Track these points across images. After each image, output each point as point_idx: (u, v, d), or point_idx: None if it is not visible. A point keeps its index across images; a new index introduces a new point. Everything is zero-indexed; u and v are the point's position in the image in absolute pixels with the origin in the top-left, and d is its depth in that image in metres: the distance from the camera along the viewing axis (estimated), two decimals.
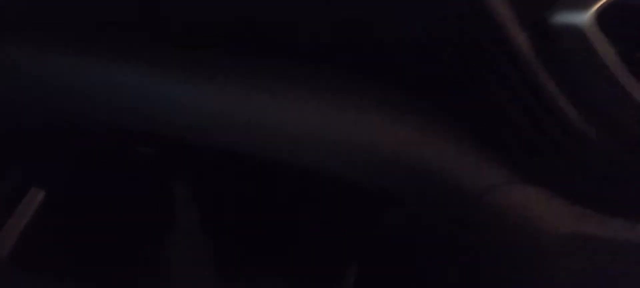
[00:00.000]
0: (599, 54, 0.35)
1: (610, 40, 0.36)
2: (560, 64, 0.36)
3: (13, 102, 0.55)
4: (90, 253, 0.57)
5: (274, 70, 0.46)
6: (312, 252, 0.56)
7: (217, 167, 0.52)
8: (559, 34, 0.36)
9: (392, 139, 0.42)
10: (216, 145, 0.48)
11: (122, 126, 0.53)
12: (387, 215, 0.50)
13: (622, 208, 0.41)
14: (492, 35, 0.38)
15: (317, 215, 0.53)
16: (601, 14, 0.35)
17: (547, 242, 0.41)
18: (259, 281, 0.56)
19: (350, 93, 0.44)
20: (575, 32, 0.35)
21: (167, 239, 0.53)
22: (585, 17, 0.35)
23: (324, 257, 0.56)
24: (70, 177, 0.65)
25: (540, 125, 0.39)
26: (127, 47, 0.50)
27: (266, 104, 0.45)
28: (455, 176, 0.42)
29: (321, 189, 0.50)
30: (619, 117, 0.37)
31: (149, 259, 0.57)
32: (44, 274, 0.54)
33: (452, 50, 0.40)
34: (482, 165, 0.42)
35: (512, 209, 0.41)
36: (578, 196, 0.41)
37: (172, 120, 0.49)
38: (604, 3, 0.35)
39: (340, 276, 0.56)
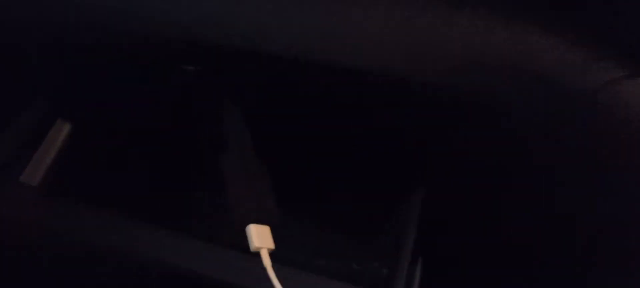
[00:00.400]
0: None
1: None
2: None
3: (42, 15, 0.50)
4: (131, 181, 0.53)
5: None
6: (376, 172, 0.51)
7: (274, 80, 0.47)
8: None
9: (497, 42, 0.37)
10: (280, 54, 0.42)
11: (162, 38, 0.48)
12: (464, 131, 0.45)
13: None
14: None
15: (384, 131, 0.48)
16: None
17: None
18: (318, 203, 0.51)
19: None
20: None
21: (217, 162, 0.48)
22: None
23: (388, 178, 0.51)
24: (102, 107, 0.60)
25: None
26: None
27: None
28: (565, 76, 0.37)
29: (393, 101, 0.44)
30: None
31: (197, 185, 0.52)
32: (78, 201, 0.49)
33: None
34: (593, 62, 0.37)
35: (630, 105, 0.36)
36: None
37: (226, 26, 0.44)
38: None
39: (405, 199, 0.51)
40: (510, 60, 0.38)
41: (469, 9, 0.38)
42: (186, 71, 0.52)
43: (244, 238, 0.45)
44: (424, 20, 0.38)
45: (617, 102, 0.36)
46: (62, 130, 0.61)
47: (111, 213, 0.47)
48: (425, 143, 0.47)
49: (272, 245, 0.45)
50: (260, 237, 0.45)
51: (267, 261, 0.44)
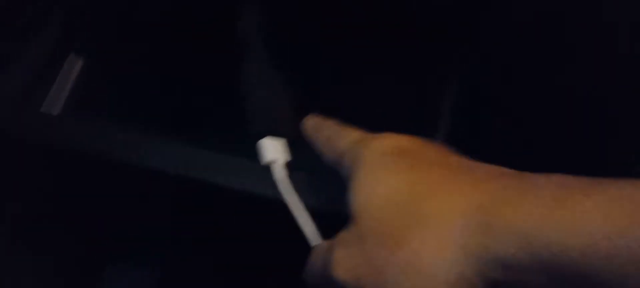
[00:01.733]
0: None
1: None
2: None
3: None
4: (147, 101, 0.53)
5: None
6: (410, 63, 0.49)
7: None
8: None
9: None
10: None
11: None
12: None
13: None
14: None
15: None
16: None
17: None
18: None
19: None
20: None
21: (237, 69, 0.47)
22: None
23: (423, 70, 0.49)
24: (114, 37, 0.61)
25: None
26: None
27: None
28: None
29: None
30: None
31: (214, 99, 0.52)
32: (102, 123, 0.50)
33: None
34: None
35: None
36: None
37: None
38: None
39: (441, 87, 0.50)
40: None
41: None
42: None
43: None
44: None
45: None
46: (76, 64, 0.63)
47: (132, 132, 0.47)
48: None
49: (286, 157, 0.46)
50: (274, 150, 0.46)
51: (279, 174, 0.45)
